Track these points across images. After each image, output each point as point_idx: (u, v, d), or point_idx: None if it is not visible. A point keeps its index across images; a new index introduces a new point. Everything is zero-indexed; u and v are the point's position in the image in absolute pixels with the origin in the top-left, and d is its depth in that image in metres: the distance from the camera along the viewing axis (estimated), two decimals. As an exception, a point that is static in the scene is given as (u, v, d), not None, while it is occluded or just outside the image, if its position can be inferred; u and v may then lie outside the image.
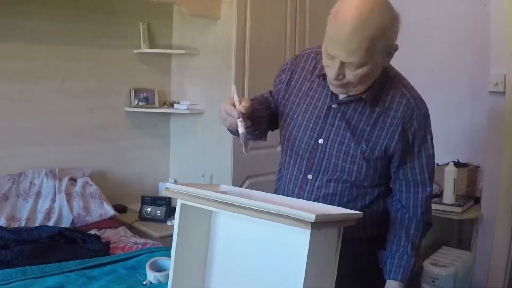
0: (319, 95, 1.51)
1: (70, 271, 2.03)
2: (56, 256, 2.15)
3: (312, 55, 1.59)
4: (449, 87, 3.24)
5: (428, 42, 3.32)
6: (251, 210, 1.18)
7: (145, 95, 3.34)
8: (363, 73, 1.31)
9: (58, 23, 2.95)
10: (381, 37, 1.26)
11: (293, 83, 1.59)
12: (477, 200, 3.04)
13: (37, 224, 2.61)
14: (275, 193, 1.69)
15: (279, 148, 3.36)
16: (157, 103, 3.38)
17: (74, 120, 3.09)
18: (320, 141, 1.47)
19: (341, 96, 1.45)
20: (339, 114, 1.46)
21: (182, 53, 3.38)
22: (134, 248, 2.38)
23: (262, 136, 1.67)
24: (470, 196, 3.07)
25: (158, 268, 1.99)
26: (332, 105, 1.47)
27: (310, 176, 1.51)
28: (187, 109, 3.30)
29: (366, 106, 1.43)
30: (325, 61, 1.37)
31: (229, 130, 1.58)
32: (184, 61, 3.45)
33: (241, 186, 3.20)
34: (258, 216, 1.17)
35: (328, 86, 1.45)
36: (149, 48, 3.30)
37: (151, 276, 1.95)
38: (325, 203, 1.44)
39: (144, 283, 1.95)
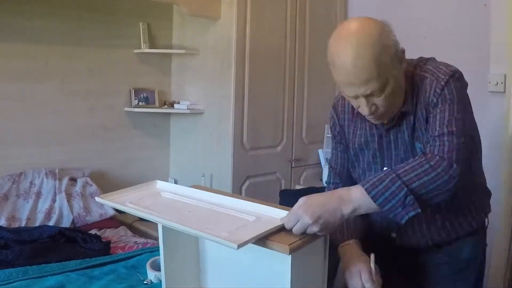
0: (366, 130, 1.51)
1: (71, 271, 2.02)
2: (56, 256, 2.15)
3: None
4: (449, 87, 3.24)
5: (428, 42, 3.31)
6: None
7: (145, 95, 3.34)
8: (389, 92, 1.31)
9: (58, 23, 2.95)
10: (383, 53, 1.26)
11: (345, 129, 1.59)
12: (477, 200, 3.04)
13: (37, 224, 2.61)
14: None
15: (279, 148, 3.41)
16: (157, 103, 3.38)
17: (74, 120, 3.09)
18: (385, 168, 1.45)
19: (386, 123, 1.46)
20: (391, 137, 1.47)
21: (182, 53, 3.38)
22: (134, 247, 2.39)
23: None
24: (470, 196, 3.07)
25: (158, 267, 1.98)
26: (382, 134, 1.48)
27: None
28: (187, 109, 3.30)
29: (409, 115, 1.42)
30: (354, 103, 1.38)
31: None
32: (184, 61, 3.45)
33: (241, 186, 3.20)
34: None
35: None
36: (149, 48, 3.31)
37: (152, 275, 1.94)
38: None
39: (145, 282, 1.95)
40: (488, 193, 1.61)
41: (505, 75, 2.77)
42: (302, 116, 3.50)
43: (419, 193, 1.24)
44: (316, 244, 1.23)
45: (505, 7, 2.75)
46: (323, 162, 3.56)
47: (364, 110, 1.34)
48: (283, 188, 3.41)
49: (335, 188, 1.58)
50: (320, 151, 3.60)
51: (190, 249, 1.45)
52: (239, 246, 1.07)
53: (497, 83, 2.81)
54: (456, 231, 1.50)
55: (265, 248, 1.16)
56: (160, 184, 1.49)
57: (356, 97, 1.32)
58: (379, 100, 1.32)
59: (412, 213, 1.23)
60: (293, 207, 1.21)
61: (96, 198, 1.37)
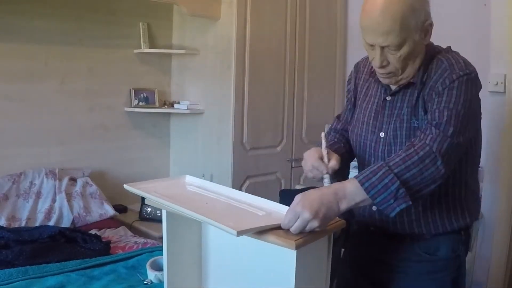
0: (375, 91, 1.54)
1: (71, 271, 2.02)
2: (56, 256, 2.15)
3: None
4: (449, 87, 3.24)
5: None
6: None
7: (145, 95, 3.34)
8: (404, 54, 1.35)
9: (58, 23, 2.95)
10: (410, 14, 1.31)
11: (359, 89, 1.63)
12: (477, 200, 3.04)
13: (37, 224, 2.61)
14: None
15: (279, 148, 3.42)
16: (157, 103, 3.38)
17: (74, 120, 3.09)
18: (381, 134, 1.49)
19: (394, 88, 1.48)
20: (394, 104, 1.48)
21: (182, 53, 3.38)
22: (134, 247, 2.39)
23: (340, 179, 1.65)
24: (470, 196, 3.07)
25: (158, 267, 1.99)
26: (386, 98, 1.50)
27: None
28: (187, 109, 3.30)
29: (416, 89, 1.44)
30: (369, 54, 1.42)
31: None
32: (184, 61, 3.45)
33: (241, 186, 3.20)
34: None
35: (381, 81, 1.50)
36: (149, 48, 3.31)
37: (152, 275, 1.95)
38: None
39: (145, 282, 1.95)
40: (478, 202, 1.59)
41: (505, 75, 2.77)
42: (302, 116, 3.50)
43: (409, 185, 1.26)
44: (320, 243, 1.24)
45: (505, 7, 2.75)
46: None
47: (376, 61, 1.38)
48: (283, 188, 3.41)
49: (332, 135, 1.68)
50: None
51: (193, 243, 1.46)
52: (239, 233, 1.09)
53: (497, 83, 2.81)
54: (436, 228, 1.47)
55: (268, 246, 1.16)
56: (188, 179, 1.52)
57: (373, 46, 1.36)
58: (392, 58, 1.36)
59: (403, 206, 1.26)
60: (290, 206, 1.21)
61: (124, 186, 1.42)
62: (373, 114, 1.52)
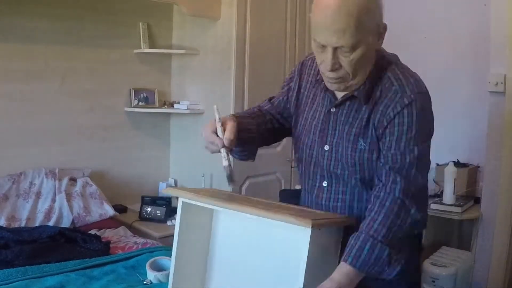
0: (321, 100, 1.46)
1: (71, 271, 2.02)
2: (56, 256, 2.15)
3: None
4: (449, 87, 3.24)
5: (428, 42, 3.32)
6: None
7: (145, 95, 3.34)
8: (357, 57, 1.26)
9: (58, 23, 2.95)
10: (367, 13, 1.23)
11: (302, 90, 1.54)
12: (477, 200, 3.04)
13: (37, 224, 2.61)
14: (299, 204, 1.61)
15: (279, 148, 3.42)
16: (157, 103, 3.38)
17: (74, 120, 3.09)
18: (326, 147, 1.43)
19: (339, 97, 1.41)
20: (338, 117, 1.41)
21: (182, 53, 3.38)
22: (134, 247, 2.38)
23: (250, 156, 1.53)
24: (470, 196, 3.07)
25: (158, 268, 1.99)
26: (331, 109, 1.42)
27: (325, 183, 1.46)
28: (187, 109, 3.30)
29: (364, 106, 1.37)
30: (318, 57, 1.32)
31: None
32: (184, 61, 3.45)
33: (241, 186, 3.20)
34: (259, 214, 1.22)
35: (327, 90, 1.42)
36: (149, 48, 3.31)
37: (151, 275, 1.95)
38: (342, 209, 1.42)
39: (144, 282, 1.95)
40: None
41: (505, 75, 2.78)
42: (302, 116, 3.50)
43: (395, 243, 1.26)
44: (332, 234, 1.27)
45: (505, 7, 2.75)
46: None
47: (327, 64, 1.28)
48: (283, 188, 3.41)
49: (254, 110, 1.60)
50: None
51: (203, 236, 1.48)
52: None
53: (497, 83, 2.81)
54: None
55: (278, 237, 1.21)
56: None
57: (324, 47, 1.27)
58: (344, 61, 1.27)
59: (398, 268, 1.26)
60: None
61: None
62: (319, 125, 1.45)
